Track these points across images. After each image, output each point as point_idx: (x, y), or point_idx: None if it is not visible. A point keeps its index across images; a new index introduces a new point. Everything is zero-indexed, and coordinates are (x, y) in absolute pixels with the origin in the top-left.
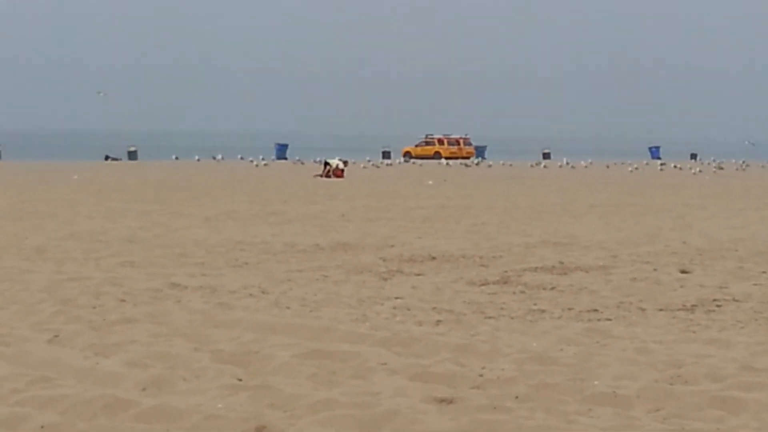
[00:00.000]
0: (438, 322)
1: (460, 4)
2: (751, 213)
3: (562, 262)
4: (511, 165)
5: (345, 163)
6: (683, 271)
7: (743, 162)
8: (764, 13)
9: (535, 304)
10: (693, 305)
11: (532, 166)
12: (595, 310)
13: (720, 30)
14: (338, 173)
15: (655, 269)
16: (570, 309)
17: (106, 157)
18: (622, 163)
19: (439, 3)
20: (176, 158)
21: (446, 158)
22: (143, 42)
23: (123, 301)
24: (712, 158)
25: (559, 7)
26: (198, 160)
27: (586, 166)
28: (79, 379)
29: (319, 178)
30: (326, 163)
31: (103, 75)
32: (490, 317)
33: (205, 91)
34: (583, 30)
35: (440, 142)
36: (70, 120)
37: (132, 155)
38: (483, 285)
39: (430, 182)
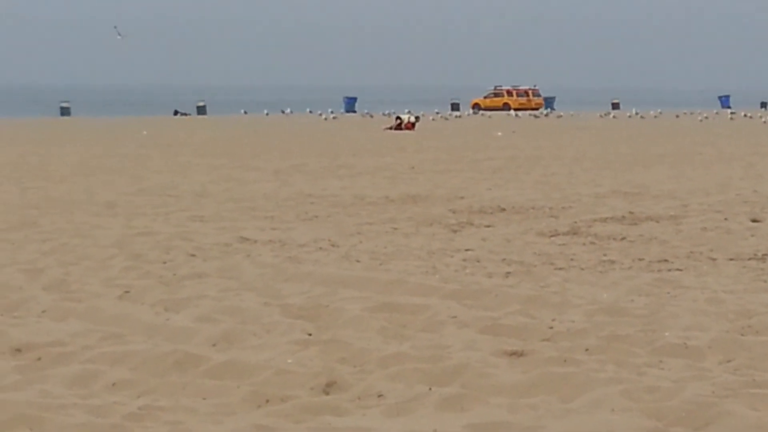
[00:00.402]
0: (508, 274)
1: None
2: None
3: (632, 212)
4: (580, 115)
5: (417, 118)
6: (754, 220)
7: None
8: None
9: (605, 255)
10: (764, 254)
11: (601, 116)
12: (666, 261)
13: None
14: (409, 126)
15: (725, 218)
16: (640, 259)
17: (175, 112)
18: (692, 113)
19: None
20: (245, 113)
21: (515, 109)
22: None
23: (193, 255)
24: None
25: None
26: (267, 114)
27: (655, 116)
28: (149, 335)
29: (389, 131)
30: (398, 118)
31: (171, 29)
32: (559, 268)
33: (276, 46)
34: None
35: (509, 93)
36: (138, 75)
37: (201, 110)
38: (553, 236)
39: (499, 134)
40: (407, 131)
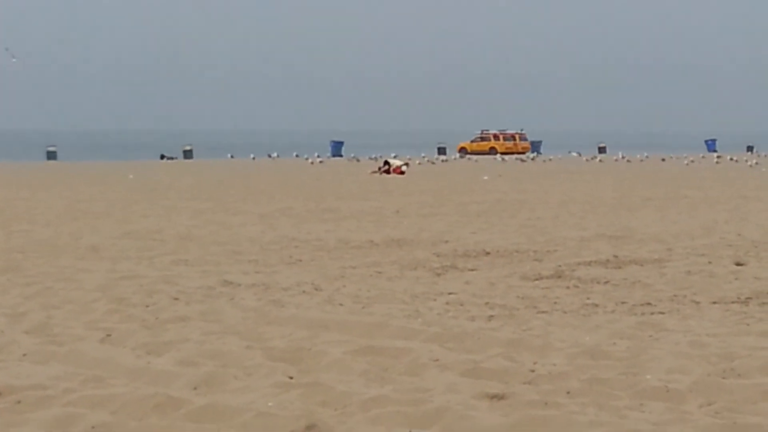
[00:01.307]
0: (491, 317)
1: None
2: None
3: (616, 256)
4: (567, 159)
5: (407, 164)
6: (738, 264)
7: None
8: None
9: (588, 298)
10: (747, 298)
11: (587, 160)
12: (649, 304)
13: None
14: (398, 170)
15: (709, 262)
16: (623, 303)
17: (162, 156)
18: (678, 157)
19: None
20: (231, 157)
21: (502, 153)
22: (198, 44)
23: (176, 299)
24: None
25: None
26: (253, 158)
27: (641, 160)
28: (131, 378)
29: (375, 174)
30: (386, 162)
31: (155, 75)
32: (542, 312)
33: (263, 90)
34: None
35: (496, 137)
36: (125, 120)
37: (187, 154)
38: (537, 279)
39: (486, 177)
40: (397, 175)
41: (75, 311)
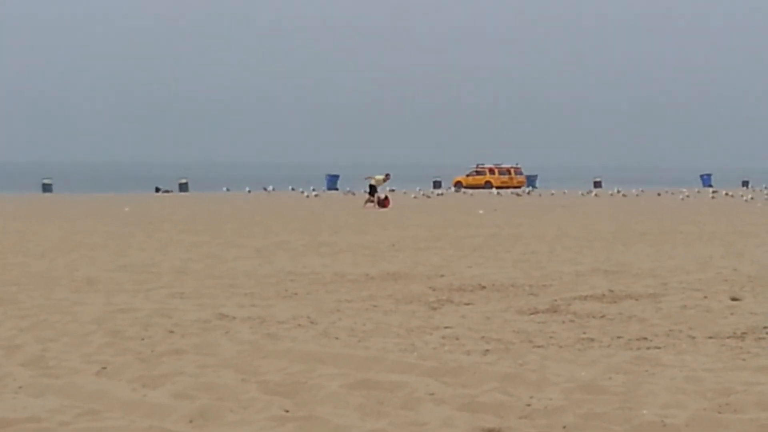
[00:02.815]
0: (486, 351)
1: (510, 34)
2: None
3: (612, 290)
4: (563, 194)
5: (387, 175)
6: (734, 299)
7: None
8: None
9: (584, 333)
10: (743, 333)
11: (583, 194)
12: (645, 339)
13: None
14: (386, 203)
15: (705, 297)
16: (619, 337)
17: (157, 189)
18: (674, 191)
19: (492, 33)
20: (227, 190)
21: (497, 187)
22: (194, 76)
23: (171, 332)
24: (764, 185)
25: (614, 37)
26: (249, 191)
27: (637, 195)
28: (126, 411)
29: (369, 206)
30: (371, 186)
31: (150, 105)
32: (538, 346)
33: (259, 123)
34: (638, 60)
35: (491, 171)
36: (120, 152)
37: (183, 187)
38: (532, 314)
39: (481, 212)
40: (385, 208)
41: (70, 344)
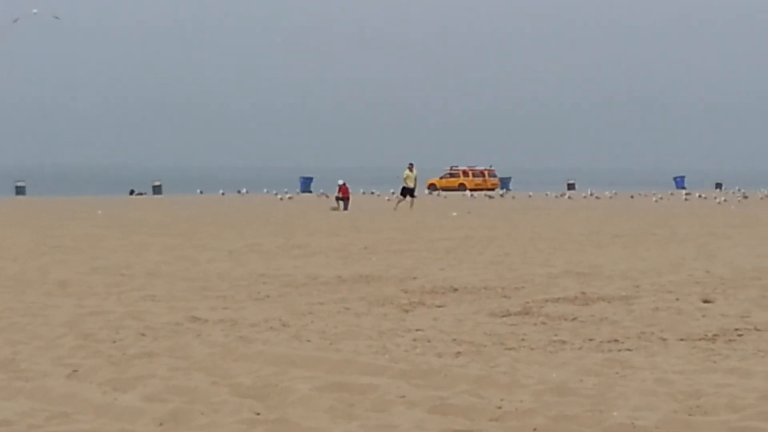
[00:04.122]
0: (458, 353)
1: (482, 37)
2: None
3: (584, 293)
4: (535, 196)
5: (410, 165)
6: (706, 301)
7: None
8: None
9: (555, 335)
10: (714, 335)
11: (556, 197)
12: (616, 341)
13: (746, 63)
14: (345, 193)
15: (677, 299)
16: (591, 340)
17: (131, 192)
18: (647, 194)
19: (465, 36)
20: (201, 192)
21: (471, 190)
22: (166, 80)
23: (143, 335)
24: (737, 188)
25: (585, 41)
26: (222, 194)
27: (610, 197)
28: (97, 414)
29: (337, 208)
30: (405, 189)
31: (125, 109)
32: (510, 348)
33: (233, 127)
34: (610, 63)
35: (465, 173)
36: (94, 155)
37: (157, 189)
38: (504, 316)
39: (455, 214)
40: (345, 199)
41: (42, 347)
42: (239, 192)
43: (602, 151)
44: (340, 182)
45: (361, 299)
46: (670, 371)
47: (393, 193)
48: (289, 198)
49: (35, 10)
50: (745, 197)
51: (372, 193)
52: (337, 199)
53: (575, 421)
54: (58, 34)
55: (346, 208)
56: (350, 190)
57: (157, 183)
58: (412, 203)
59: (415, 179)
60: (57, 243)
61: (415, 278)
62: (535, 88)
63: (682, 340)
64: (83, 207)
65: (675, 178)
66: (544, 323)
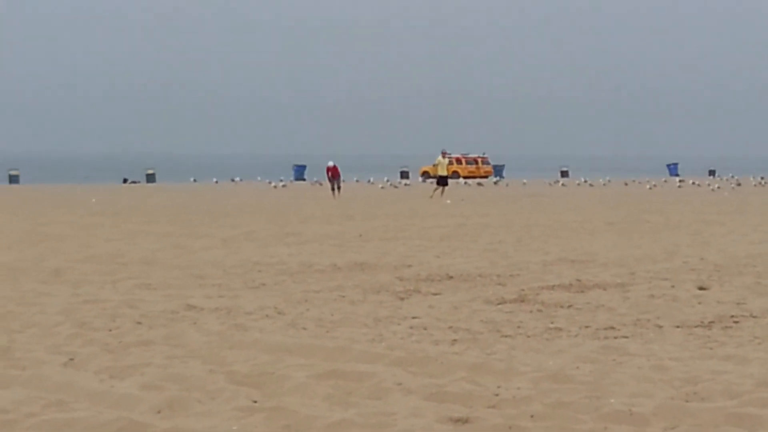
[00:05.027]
0: (454, 341)
1: (480, 26)
2: None
3: (579, 280)
4: (528, 183)
5: (443, 153)
6: (701, 288)
7: (762, 178)
8: None
9: (551, 323)
10: (710, 322)
11: (550, 184)
12: (612, 328)
13: (739, 49)
14: (335, 174)
15: (672, 286)
16: (587, 327)
17: (125, 180)
18: (640, 181)
19: (460, 23)
20: (194, 180)
21: (464, 177)
22: (162, 68)
23: (139, 323)
24: (731, 174)
25: (579, 27)
26: (216, 182)
27: (604, 184)
28: (93, 402)
29: (437, 195)
30: (440, 177)
31: (120, 97)
32: (506, 336)
33: (227, 115)
34: (602, 51)
35: (458, 161)
36: (88, 143)
37: (150, 178)
38: (500, 304)
39: (448, 201)
40: (334, 179)
41: (37, 335)
42: (233, 180)
43: (595, 139)
44: (330, 164)
45: (356, 287)
46: (666, 358)
47: (387, 180)
48: (283, 186)
49: None
50: (739, 184)
51: (369, 181)
52: (330, 181)
53: (572, 408)
54: (53, 22)
55: (338, 188)
56: (340, 172)
57: (150, 171)
58: (443, 191)
59: (447, 166)
60: (51, 231)
61: (410, 266)
62: (528, 76)
63: (678, 327)
64: (77, 195)
65: (668, 165)
66: (540, 310)
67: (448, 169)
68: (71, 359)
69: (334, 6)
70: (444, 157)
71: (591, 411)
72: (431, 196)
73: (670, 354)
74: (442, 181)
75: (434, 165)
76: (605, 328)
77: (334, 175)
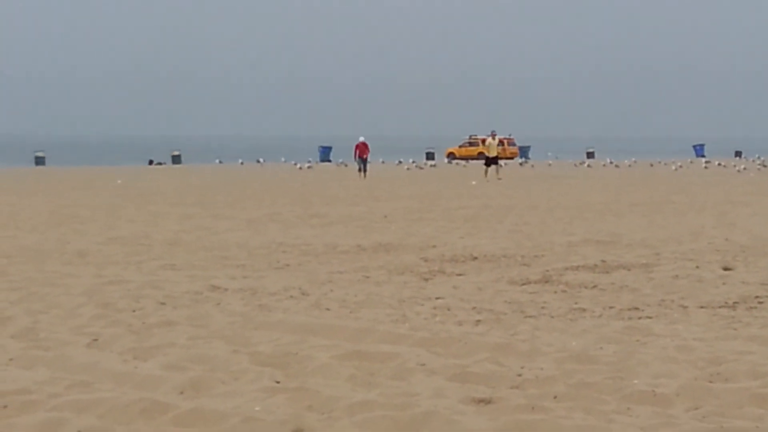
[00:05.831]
0: (478, 321)
1: (505, 8)
2: None
3: (604, 261)
4: (554, 164)
5: (492, 133)
6: (726, 268)
7: None
8: None
9: (575, 303)
10: (735, 302)
11: (576, 165)
12: (636, 308)
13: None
14: (364, 152)
15: (697, 267)
16: (611, 307)
17: (150, 162)
18: (666, 162)
19: (490, 4)
20: (220, 162)
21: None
22: (189, 51)
23: (163, 304)
24: (757, 155)
25: (605, 8)
26: (241, 163)
27: (629, 165)
28: (117, 382)
29: (359, 173)
30: (488, 159)
31: (147, 82)
32: (530, 316)
33: (252, 97)
34: (630, 30)
35: (484, 142)
36: (115, 126)
37: (176, 159)
38: (524, 284)
39: (474, 182)
40: (363, 158)
41: (61, 316)
42: (258, 161)
43: (622, 120)
44: (361, 138)
45: (380, 268)
46: (690, 339)
47: (413, 161)
48: (309, 167)
49: None
50: (765, 165)
51: (398, 162)
52: (358, 161)
53: (595, 389)
54: (80, 4)
55: (365, 169)
56: (369, 150)
57: (176, 153)
58: (497, 170)
59: (496, 147)
60: (75, 213)
61: (434, 246)
62: (555, 58)
63: (702, 307)
64: (102, 177)
65: (695, 146)
66: (564, 291)
67: (491, 149)
68: (95, 340)
69: None
70: (494, 138)
71: (614, 392)
72: (487, 180)
73: (695, 334)
74: (492, 161)
75: (486, 146)
76: (629, 309)
77: (362, 152)
